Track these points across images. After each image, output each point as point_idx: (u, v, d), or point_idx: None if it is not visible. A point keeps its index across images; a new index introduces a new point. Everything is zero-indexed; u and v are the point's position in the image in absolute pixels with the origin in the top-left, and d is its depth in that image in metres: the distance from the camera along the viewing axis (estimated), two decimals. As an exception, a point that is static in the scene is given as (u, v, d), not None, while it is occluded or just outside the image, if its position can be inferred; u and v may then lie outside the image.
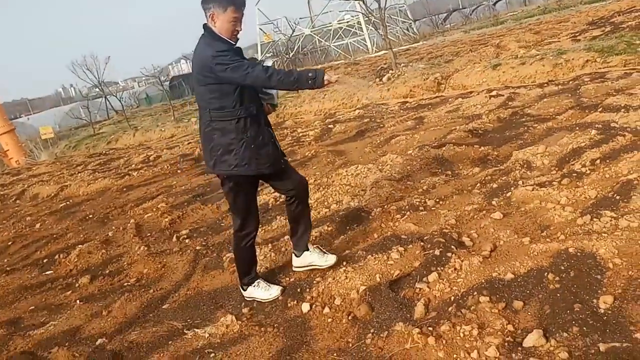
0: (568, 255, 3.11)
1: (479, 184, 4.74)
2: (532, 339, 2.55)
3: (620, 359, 2.28)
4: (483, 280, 3.12)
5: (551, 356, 2.42)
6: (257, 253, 3.89)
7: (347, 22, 44.89)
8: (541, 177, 4.48)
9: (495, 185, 4.57)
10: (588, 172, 4.28)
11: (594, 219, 3.47)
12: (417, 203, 4.58)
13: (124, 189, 8.75)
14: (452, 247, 3.61)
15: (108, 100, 30.43)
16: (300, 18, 45.77)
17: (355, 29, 44.44)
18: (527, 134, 5.89)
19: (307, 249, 3.85)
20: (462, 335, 2.70)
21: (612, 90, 6.85)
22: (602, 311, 2.63)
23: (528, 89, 8.44)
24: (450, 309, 2.93)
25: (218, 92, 3.30)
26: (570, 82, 8.21)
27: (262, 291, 3.73)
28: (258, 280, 3.76)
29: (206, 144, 3.51)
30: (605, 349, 2.35)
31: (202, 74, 3.31)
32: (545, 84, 8.60)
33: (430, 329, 2.80)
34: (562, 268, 3.00)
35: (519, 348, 2.53)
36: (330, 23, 46.64)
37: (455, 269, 3.35)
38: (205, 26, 3.36)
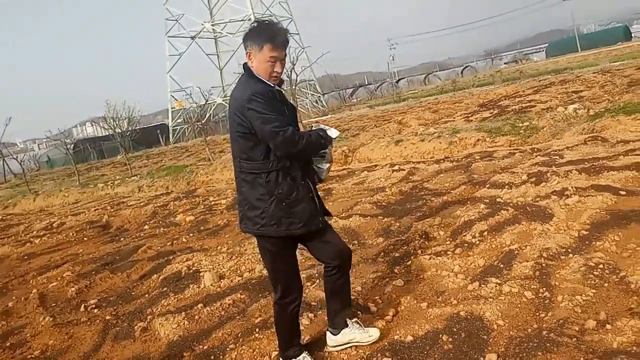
0: (460, 318, 3.47)
1: (382, 253, 5.11)
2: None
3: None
4: (386, 343, 3.40)
5: (445, 409, 2.71)
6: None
7: (260, 92, 45.88)
8: (437, 246, 4.92)
9: (397, 255, 4.95)
10: (477, 242, 4.76)
11: (482, 285, 3.89)
12: (326, 271, 4.86)
13: (25, 257, 8.40)
14: (358, 312, 3.88)
15: (6, 162, 28.95)
16: (212, 87, 46.34)
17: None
18: (425, 206, 6.41)
19: (347, 325, 3.45)
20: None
21: (499, 168, 7.63)
22: (485, 367, 2.97)
23: (427, 165, 9.15)
24: (358, 370, 3.17)
25: (247, 140, 3.01)
26: (463, 159, 9.00)
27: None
28: (303, 355, 3.35)
29: (238, 196, 3.22)
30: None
31: (234, 118, 3.04)
32: (442, 160, 9.37)
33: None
34: (455, 330, 3.35)
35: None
36: (242, 93, 47.47)
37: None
38: (244, 65, 3.15)
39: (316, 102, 49.58)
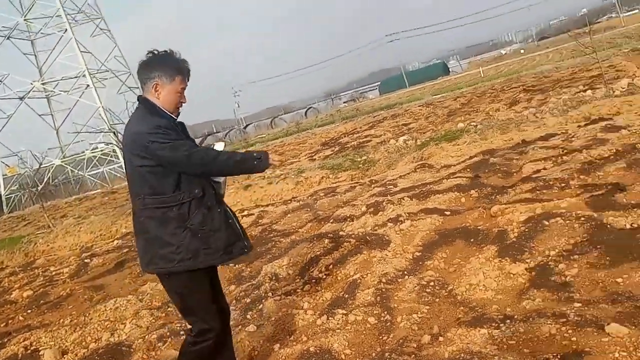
0: (310, 354, 3.55)
1: (234, 301, 5.08)
2: None
3: None
4: (240, 391, 3.37)
5: None
6: None
7: (101, 150, 43.86)
8: (287, 286, 5.02)
9: (248, 300, 4.96)
10: (324, 277, 4.94)
11: (329, 318, 4.02)
12: (178, 328, 4.72)
13: None
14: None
15: None
16: (48, 149, 43.38)
17: (111, 157, 43.59)
18: (274, 248, 6.51)
19: None
20: None
21: (341, 203, 8.01)
22: (338, 397, 3.07)
23: (275, 207, 9.32)
24: None
25: (153, 174, 2.85)
26: (309, 197, 9.31)
27: None
28: None
29: (140, 238, 3.01)
30: None
31: (134, 154, 2.88)
32: (289, 201, 9.61)
33: None
34: (306, 367, 3.43)
35: None
36: (83, 152, 45.03)
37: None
38: (140, 98, 3.00)
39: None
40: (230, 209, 3.15)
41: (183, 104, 3.04)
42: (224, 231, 2.98)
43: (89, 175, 43.58)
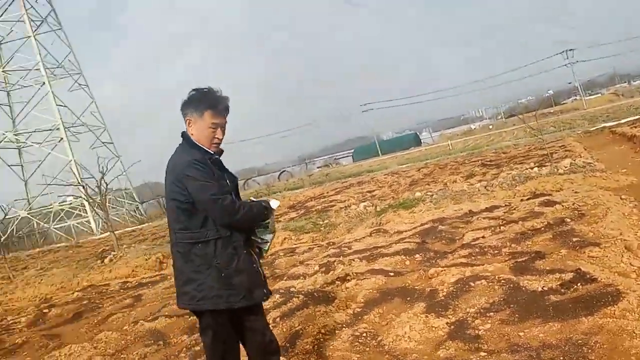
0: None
1: (184, 349, 5.38)
2: None
3: None
4: None
5: None
6: None
7: (70, 203, 43.61)
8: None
9: (198, 348, 5.26)
10: (271, 327, 5.28)
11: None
12: (129, 373, 5.00)
13: None
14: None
15: None
16: (15, 200, 42.97)
17: (80, 210, 43.30)
18: (229, 302, 6.84)
19: None
20: None
21: (297, 262, 8.41)
22: None
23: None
24: None
25: (182, 210, 2.90)
26: (270, 256, 9.68)
27: None
28: None
29: (174, 271, 3.09)
30: None
31: (172, 187, 2.96)
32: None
33: None
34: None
35: None
36: (50, 205, 44.66)
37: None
38: (183, 134, 3.08)
39: (134, 210, 48.18)
40: (257, 255, 3.17)
41: (219, 139, 3.08)
42: (248, 274, 2.98)
43: (55, 228, 43.06)
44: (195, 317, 6.43)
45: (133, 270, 12.40)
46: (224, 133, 3.10)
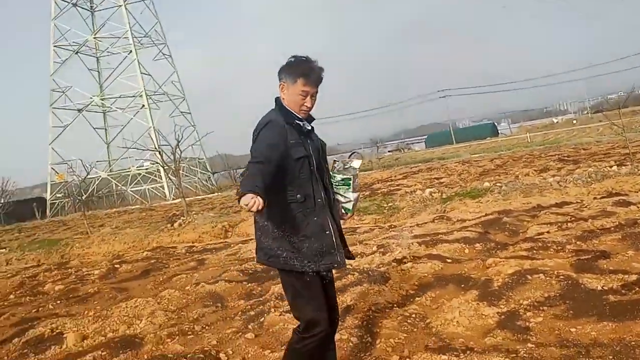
0: (294, 359, 4.04)
1: (240, 312, 5.61)
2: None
3: None
4: (228, 383, 3.88)
5: None
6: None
7: (147, 168, 45.53)
8: (288, 306, 5.50)
9: (253, 313, 5.47)
10: (323, 301, 5.42)
11: (318, 334, 4.50)
12: (187, 329, 5.27)
13: None
14: (209, 361, 4.34)
15: None
16: (97, 161, 45.33)
17: (155, 176, 45.14)
18: (286, 273, 7.03)
19: None
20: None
21: (357, 241, 8.49)
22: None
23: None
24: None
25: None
26: (330, 234, 9.82)
27: None
28: None
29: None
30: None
31: None
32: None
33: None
34: (288, 368, 3.91)
35: None
36: (129, 168, 46.85)
37: (208, 376, 4.07)
38: (276, 99, 3.18)
39: (206, 180, 49.77)
40: (337, 221, 3.20)
41: (307, 107, 3.12)
42: (317, 240, 2.99)
43: (131, 190, 45.18)
44: (252, 284, 6.71)
45: (200, 236, 12.91)
46: (313, 102, 3.14)
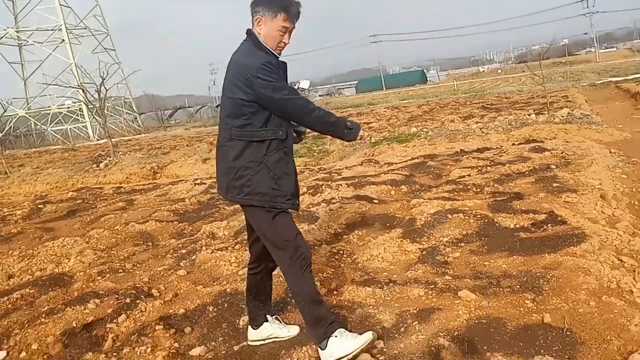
0: (226, 293, 4.18)
1: (172, 251, 5.67)
2: (197, 351, 3.48)
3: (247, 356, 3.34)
4: (162, 316, 3.97)
5: (201, 359, 3.38)
6: None
7: (68, 107, 43.47)
8: (220, 244, 5.62)
9: (184, 251, 5.55)
10: (254, 239, 5.56)
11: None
12: (117, 267, 5.29)
13: None
14: (142, 296, 4.39)
15: None
16: (14, 98, 42.71)
17: (77, 115, 43.25)
18: (217, 213, 7.11)
19: (267, 321, 3.42)
20: (138, 353, 3.49)
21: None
22: (241, 326, 3.70)
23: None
24: (133, 337, 3.69)
25: (247, 107, 2.88)
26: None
27: (350, 339, 3.00)
28: (341, 330, 3.06)
29: (221, 165, 3.08)
30: (237, 349, 3.41)
31: (237, 85, 2.89)
32: (242, 176, 10.19)
33: (115, 354, 3.53)
34: (220, 302, 4.05)
35: (184, 356, 3.43)
36: (49, 107, 44.51)
37: (141, 311, 4.13)
38: (249, 31, 2.99)
39: (132, 121, 48.18)
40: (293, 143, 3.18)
41: (285, 44, 3.01)
42: (293, 178, 3.03)
43: (52, 130, 43.13)
44: (183, 224, 6.75)
45: (127, 177, 12.69)
46: (290, 38, 3.02)
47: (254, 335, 3.42)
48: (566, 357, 2.77)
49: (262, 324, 3.41)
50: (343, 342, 2.96)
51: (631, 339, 2.85)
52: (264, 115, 2.89)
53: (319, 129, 3.07)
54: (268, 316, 3.44)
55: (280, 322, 3.50)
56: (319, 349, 3.04)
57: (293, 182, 3.03)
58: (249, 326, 3.46)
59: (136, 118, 49.42)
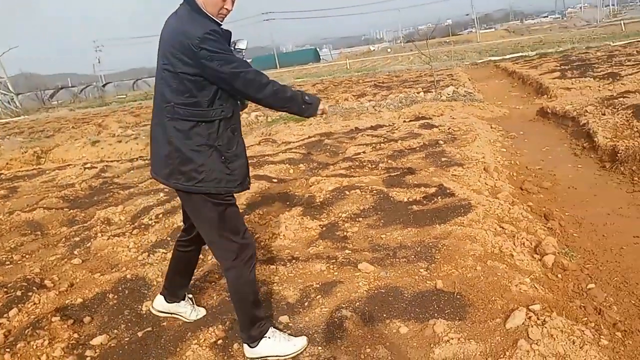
0: (126, 280, 4.08)
1: (64, 239, 5.41)
2: (99, 340, 3.38)
3: (152, 341, 3.30)
4: (58, 307, 3.81)
5: (104, 347, 3.29)
6: None
7: None
8: (117, 229, 5.44)
9: (78, 239, 5.32)
10: (153, 223, 5.43)
11: (150, 255, 4.55)
12: (4, 259, 4.98)
13: None
14: (34, 288, 4.18)
15: None
16: None
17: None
18: (111, 198, 6.85)
19: (183, 299, 3.33)
20: (34, 347, 3.34)
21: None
22: (144, 312, 3.64)
23: (120, 163, 9.53)
24: (27, 331, 3.52)
25: (192, 83, 2.58)
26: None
27: (283, 342, 2.91)
28: (272, 330, 2.94)
29: (160, 147, 2.73)
30: (141, 334, 3.36)
31: (176, 56, 2.57)
32: (136, 159, 9.86)
33: (8, 349, 3.35)
34: (120, 289, 3.95)
35: (85, 346, 3.32)
36: None
37: (34, 303, 3.94)
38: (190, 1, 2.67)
39: (9, 102, 44.60)
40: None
41: (228, 11, 2.75)
42: (243, 159, 2.80)
43: None
44: (74, 211, 6.44)
45: (7, 163, 11.83)
46: (232, 4, 2.75)
47: (163, 307, 3.32)
48: (457, 318, 3.01)
49: (177, 302, 3.32)
50: (276, 345, 2.89)
51: (512, 298, 3.15)
52: (210, 90, 2.62)
53: (274, 105, 2.80)
54: (186, 295, 3.37)
55: (194, 303, 3.43)
56: (246, 345, 2.94)
57: (245, 164, 2.81)
58: (161, 295, 3.32)
59: (13, 99, 45.81)
